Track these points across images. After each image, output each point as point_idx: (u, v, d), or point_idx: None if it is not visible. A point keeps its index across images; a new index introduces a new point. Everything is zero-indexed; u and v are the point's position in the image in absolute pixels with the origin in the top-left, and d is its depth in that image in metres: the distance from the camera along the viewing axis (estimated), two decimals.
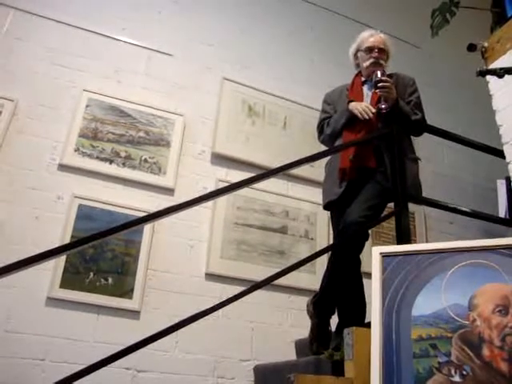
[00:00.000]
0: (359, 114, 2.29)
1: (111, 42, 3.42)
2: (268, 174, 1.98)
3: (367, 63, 2.46)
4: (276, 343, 2.99)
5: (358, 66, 2.57)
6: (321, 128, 2.56)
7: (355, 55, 2.56)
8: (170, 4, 3.75)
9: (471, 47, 2.41)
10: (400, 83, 2.42)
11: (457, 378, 1.40)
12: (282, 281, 1.96)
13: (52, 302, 2.63)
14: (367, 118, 2.27)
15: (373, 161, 2.28)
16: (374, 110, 2.28)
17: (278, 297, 3.16)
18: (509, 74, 1.79)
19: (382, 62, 2.45)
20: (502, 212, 3.67)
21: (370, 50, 2.47)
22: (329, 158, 2.47)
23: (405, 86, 2.45)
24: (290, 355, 2.69)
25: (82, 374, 1.33)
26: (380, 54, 2.46)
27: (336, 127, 2.42)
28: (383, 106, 2.23)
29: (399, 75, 2.49)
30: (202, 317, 1.59)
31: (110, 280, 2.79)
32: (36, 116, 3.00)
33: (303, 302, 2.55)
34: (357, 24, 3.93)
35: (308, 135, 3.53)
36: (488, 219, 2.92)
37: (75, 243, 1.47)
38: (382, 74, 2.28)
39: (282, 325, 3.12)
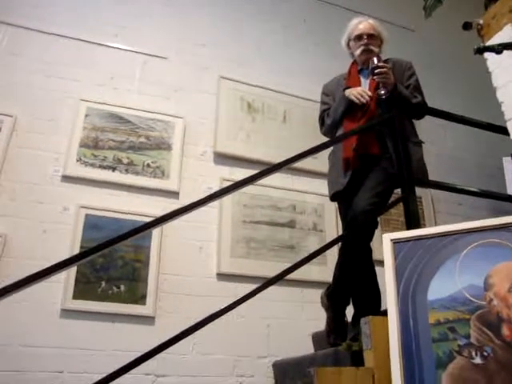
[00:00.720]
0: (355, 99, 2.27)
1: (105, 49, 3.41)
2: (273, 168, 1.96)
3: (358, 51, 2.45)
4: (293, 337, 2.98)
5: (352, 55, 2.55)
6: (322, 120, 2.55)
7: (348, 45, 2.54)
8: (161, 7, 3.74)
9: (466, 26, 2.38)
10: (397, 68, 2.40)
11: (478, 360, 1.38)
12: (293, 275, 1.94)
13: (66, 313, 2.64)
14: (364, 101, 2.25)
15: (376, 148, 2.27)
16: (370, 93, 2.27)
17: (291, 291, 3.15)
18: (507, 49, 1.76)
19: (372, 48, 2.42)
20: (510, 189, 3.64)
21: (359, 37, 2.45)
22: (331, 148, 2.45)
23: (402, 70, 2.42)
24: (308, 349, 2.69)
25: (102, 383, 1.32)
26: (370, 40, 2.43)
27: (336, 116, 2.41)
28: (382, 92, 2.21)
29: (395, 60, 2.46)
30: (218, 317, 1.59)
31: (122, 287, 2.79)
32: (36, 129, 3.00)
33: (316, 294, 2.54)
34: (349, 12, 3.89)
35: (308, 127, 3.51)
36: (497, 197, 2.89)
37: (86, 253, 1.46)
38: (379, 60, 2.25)
39: (296, 319, 3.11)
